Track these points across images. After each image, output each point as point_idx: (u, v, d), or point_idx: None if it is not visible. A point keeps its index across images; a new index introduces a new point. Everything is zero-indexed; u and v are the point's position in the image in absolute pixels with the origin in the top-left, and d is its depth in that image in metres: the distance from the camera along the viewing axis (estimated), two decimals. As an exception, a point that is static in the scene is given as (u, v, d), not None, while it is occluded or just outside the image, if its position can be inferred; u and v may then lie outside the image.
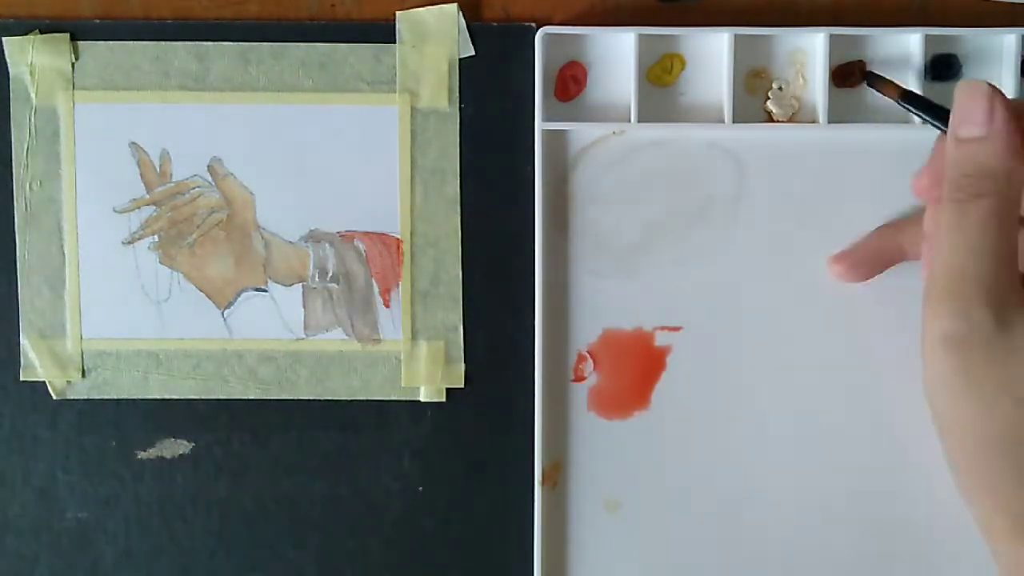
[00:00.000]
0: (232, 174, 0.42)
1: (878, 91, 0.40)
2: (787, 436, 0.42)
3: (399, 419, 0.43)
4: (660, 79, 0.42)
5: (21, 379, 0.42)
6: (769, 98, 0.42)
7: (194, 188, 0.42)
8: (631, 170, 0.42)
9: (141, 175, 0.42)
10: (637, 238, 0.42)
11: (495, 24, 0.42)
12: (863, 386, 0.42)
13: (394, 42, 0.42)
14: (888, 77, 0.40)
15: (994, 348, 0.31)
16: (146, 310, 0.42)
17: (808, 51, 0.42)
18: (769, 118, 0.42)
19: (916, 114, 0.38)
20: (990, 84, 0.33)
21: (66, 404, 0.43)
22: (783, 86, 0.42)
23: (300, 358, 0.43)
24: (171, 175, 0.42)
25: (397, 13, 0.41)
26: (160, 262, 0.42)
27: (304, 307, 0.43)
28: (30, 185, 0.42)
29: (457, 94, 0.42)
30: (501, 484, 0.43)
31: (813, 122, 0.41)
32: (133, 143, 0.42)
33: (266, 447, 0.43)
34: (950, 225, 0.32)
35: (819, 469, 0.42)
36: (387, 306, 0.42)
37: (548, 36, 0.41)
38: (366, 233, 0.42)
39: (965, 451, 0.33)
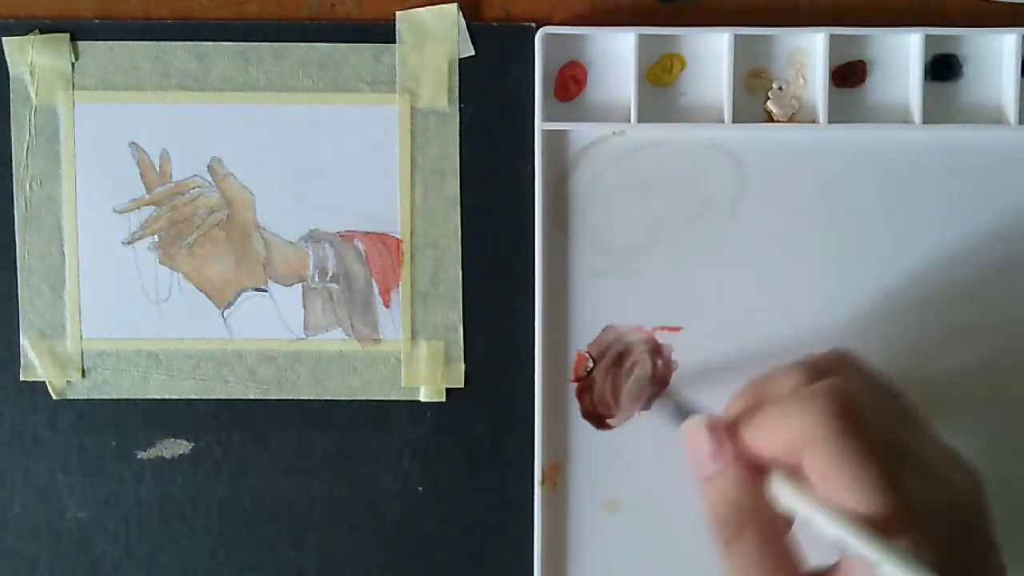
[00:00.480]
0: (232, 174, 0.42)
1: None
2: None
3: (399, 419, 0.43)
4: (660, 79, 0.42)
5: (21, 379, 0.42)
6: (769, 98, 0.42)
7: (194, 188, 0.42)
8: (631, 170, 0.42)
9: (141, 175, 0.42)
10: (637, 238, 0.42)
11: (495, 24, 0.42)
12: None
13: (394, 42, 0.42)
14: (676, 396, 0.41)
15: None
16: (146, 310, 0.42)
17: (808, 51, 0.41)
18: (769, 118, 0.42)
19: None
20: (708, 418, 0.34)
21: (66, 404, 0.43)
22: (783, 86, 0.42)
23: (300, 358, 0.43)
24: (171, 175, 0.42)
25: (397, 13, 0.41)
26: (160, 262, 0.42)
27: (304, 307, 0.43)
28: (30, 185, 0.42)
29: (457, 94, 0.42)
30: (501, 484, 0.43)
31: (813, 122, 0.41)
32: (133, 143, 0.42)
33: (266, 447, 0.43)
34: (733, 569, 0.32)
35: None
36: (387, 306, 0.42)
37: (548, 36, 0.41)
38: (366, 233, 0.42)
39: None
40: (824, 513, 0.31)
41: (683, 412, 0.36)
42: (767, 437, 0.33)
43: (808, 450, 0.31)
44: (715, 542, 0.33)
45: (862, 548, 0.30)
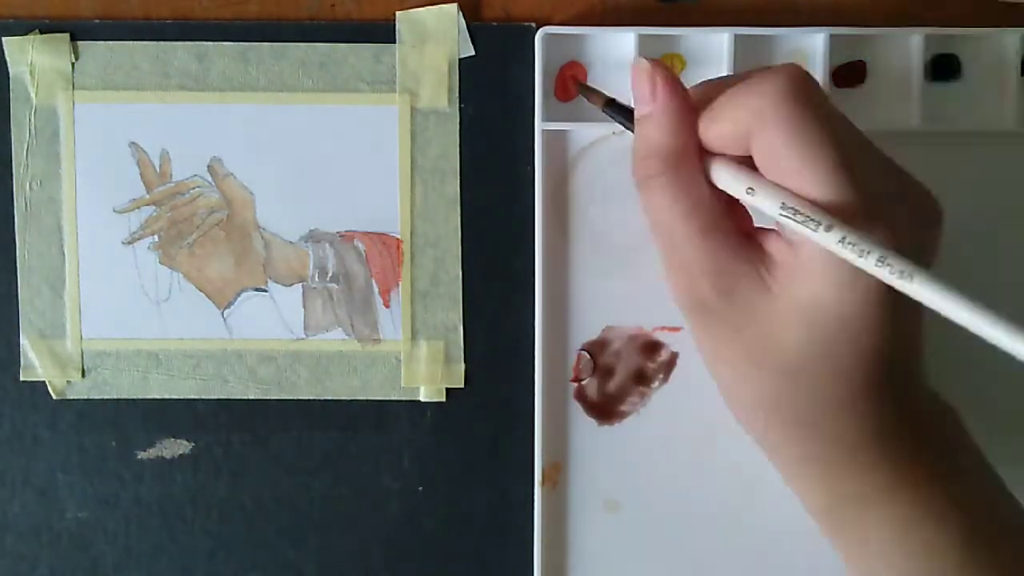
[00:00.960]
0: (232, 174, 0.42)
1: (588, 100, 0.39)
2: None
3: (399, 419, 0.43)
4: (660, 79, 0.42)
5: (21, 379, 0.42)
6: (769, 98, 0.42)
7: (194, 188, 0.42)
8: (631, 170, 0.42)
9: (141, 175, 0.42)
10: (637, 238, 0.42)
11: (495, 24, 0.42)
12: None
13: (394, 42, 0.42)
14: (595, 87, 0.39)
15: (725, 320, 0.32)
16: (146, 310, 0.42)
17: (808, 51, 0.41)
18: (769, 118, 0.42)
19: (620, 123, 0.37)
20: (654, 61, 0.33)
21: (66, 404, 0.43)
22: (783, 86, 0.42)
23: (300, 358, 0.43)
24: (171, 175, 0.42)
25: (397, 13, 0.41)
26: (160, 262, 0.42)
27: (304, 307, 0.43)
28: (30, 185, 0.42)
29: (457, 94, 0.42)
30: (501, 484, 0.43)
31: (813, 122, 0.41)
32: (133, 143, 0.42)
33: (266, 447, 0.43)
34: (643, 206, 0.33)
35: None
36: (387, 306, 0.42)
37: (548, 36, 0.41)
38: (366, 233, 0.42)
39: (744, 413, 0.33)
40: (769, 193, 0.29)
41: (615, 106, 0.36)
42: (718, 122, 0.31)
43: (758, 128, 0.30)
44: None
45: (809, 232, 0.28)
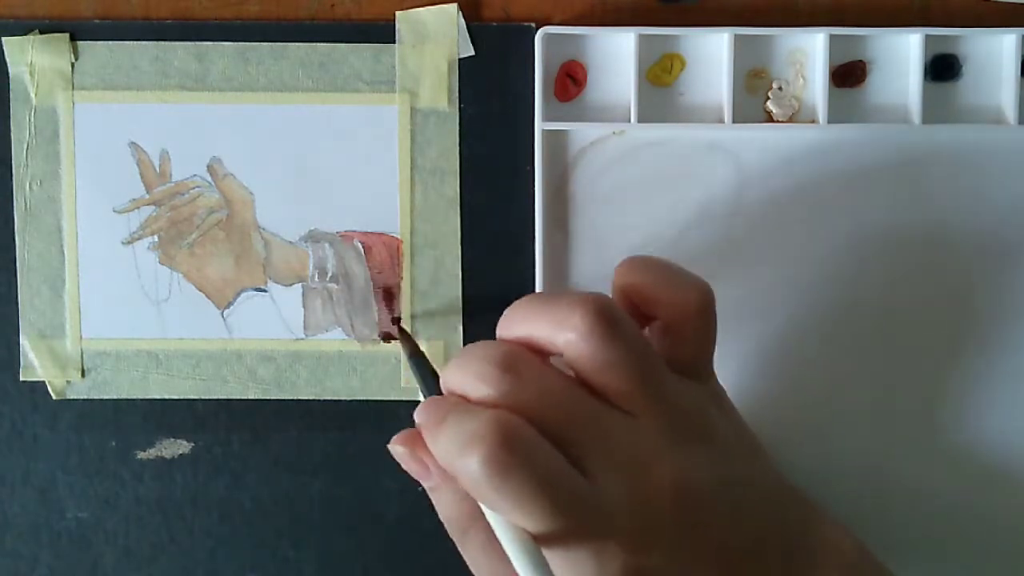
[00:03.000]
0: (232, 174, 0.42)
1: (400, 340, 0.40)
2: (788, 435, 0.42)
3: (399, 419, 0.43)
4: (660, 79, 0.42)
5: (21, 379, 0.42)
6: (769, 98, 0.42)
7: (194, 188, 0.42)
8: (631, 170, 0.42)
9: (141, 175, 0.42)
10: (637, 238, 0.42)
11: (495, 24, 0.42)
12: (865, 384, 0.42)
13: (394, 42, 0.42)
14: (409, 333, 0.41)
15: None
16: (146, 310, 0.42)
17: (808, 51, 0.41)
18: (769, 118, 0.42)
19: (416, 379, 0.37)
20: (407, 437, 0.33)
21: (66, 404, 0.43)
22: (783, 86, 0.42)
23: (300, 358, 0.43)
24: (171, 175, 0.42)
25: (397, 13, 0.41)
26: (160, 262, 0.42)
27: (304, 307, 0.43)
28: (30, 185, 0.42)
29: (457, 94, 0.42)
30: (501, 484, 0.43)
31: (813, 122, 0.41)
32: (133, 143, 0.42)
33: (266, 447, 0.43)
34: (468, 561, 0.33)
35: (820, 468, 0.42)
36: (386, 306, 0.42)
37: (548, 36, 0.41)
38: (366, 233, 0.42)
39: None
40: (499, 531, 0.30)
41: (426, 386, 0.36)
42: (442, 462, 0.31)
43: (474, 494, 0.30)
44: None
45: (522, 570, 0.29)
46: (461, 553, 0.33)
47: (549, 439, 0.30)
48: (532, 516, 0.29)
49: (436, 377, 0.36)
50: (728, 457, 0.33)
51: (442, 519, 0.33)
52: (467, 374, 0.31)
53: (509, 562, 0.30)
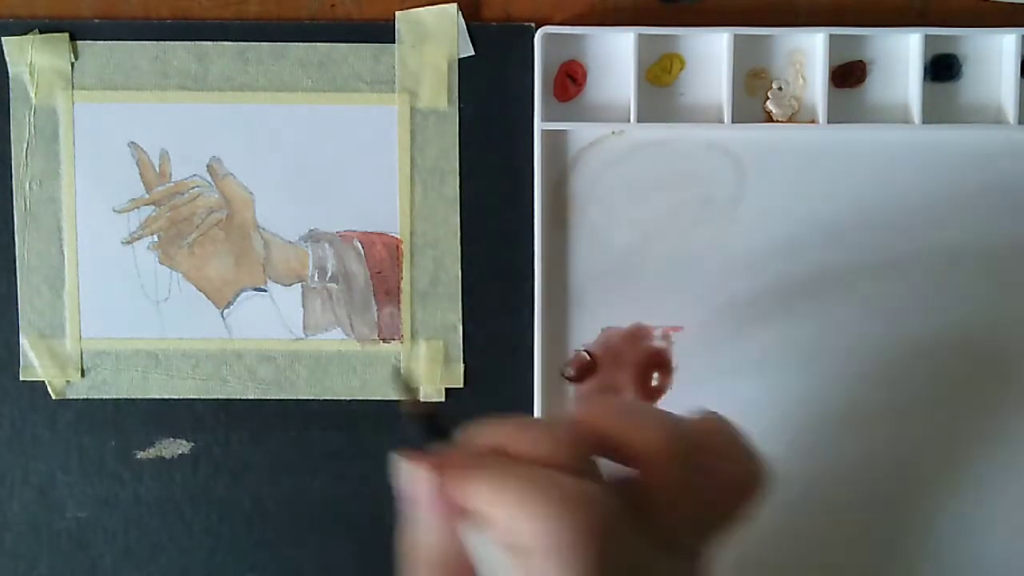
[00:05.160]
0: (231, 174, 0.42)
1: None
2: (787, 435, 0.42)
3: (398, 419, 0.43)
4: (660, 79, 0.42)
5: (21, 379, 0.42)
6: (769, 98, 0.42)
7: (193, 188, 0.42)
8: (631, 170, 0.42)
9: (140, 175, 0.42)
10: (637, 238, 0.42)
11: (495, 24, 0.42)
12: (864, 383, 0.42)
13: (394, 42, 0.42)
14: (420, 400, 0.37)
15: None
16: (145, 310, 0.42)
17: (808, 51, 0.41)
18: (769, 118, 0.42)
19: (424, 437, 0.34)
20: (435, 462, 0.29)
21: (65, 404, 0.43)
22: (783, 86, 0.42)
23: (299, 358, 0.43)
24: (170, 175, 0.42)
25: (396, 13, 0.41)
26: (159, 262, 0.42)
27: (303, 307, 0.43)
28: (30, 185, 0.42)
29: (456, 94, 0.42)
30: (500, 484, 0.43)
31: (812, 122, 0.41)
32: (132, 143, 0.42)
33: (265, 447, 0.43)
34: None
35: (821, 467, 0.42)
36: (386, 306, 0.42)
37: (547, 36, 0.41)
38: (365, 233, 0.42)
39: None
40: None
41: (433, 432, 0.32)
42: (490, 507, 0.28)
43: (531, 555, 0.26)
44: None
45: None
46: None
47: None
48: None
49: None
50: None
51: (409, 548, 0.31)
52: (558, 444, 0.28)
53: None
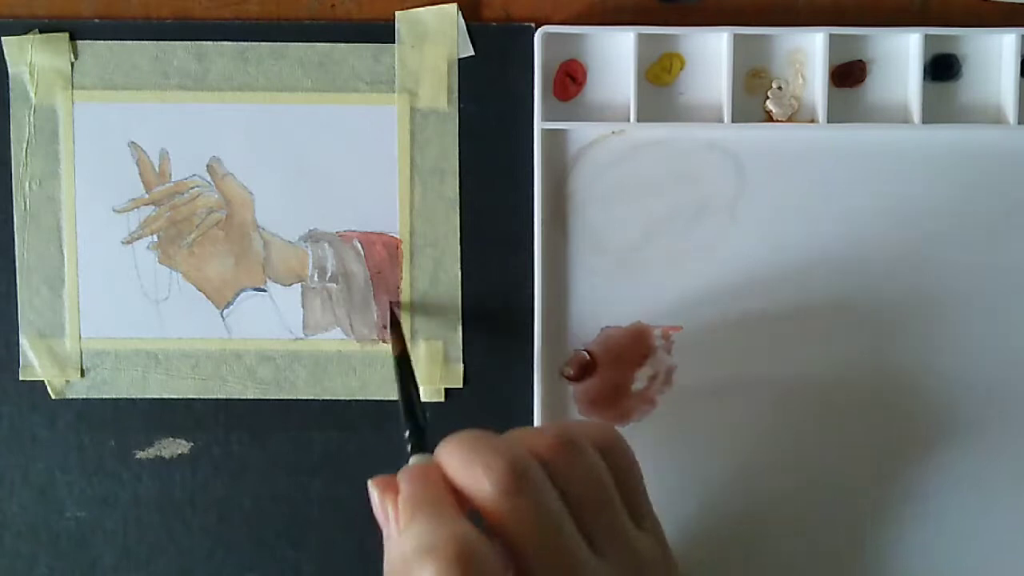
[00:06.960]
0: (231, 174, 0.42)
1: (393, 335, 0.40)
2: (788, 435, 0.42)
3: (398, 419, 0.43)
4: (660, 79, 0.42)
5: (20, 379, 0.42)
6: (769, 98, 0.42)
7: (193, 188, 0.42)
8: (631, 170, 0.42)
9: (140, 175, 0.42)
10: (637, 238, 0.42)
11: (494, 24, 0.42)
12: (865, 384, 0.42)
13: (393, 42, 0.42)
14: (401, 333, 0.41)
15: None
16: (145, 310, 0.42)
17: (808, 51, 0.41)
18: (769, 118, 0.42)
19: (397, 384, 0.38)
20: (382, 482, 0.33)
21: (65, 404, 0.43)
22: (783, 86, 0.42)
23: (299, 358, 0.43)
24: (170, 175, 0.42)
25: (396, 13, 0.41)
26: (159, 262, 0.42)
27: (303, 307, 0.43)
28: (29, 184, 0.42)
29: (456, 94, 0.42)
30: (500, 484, 0.43)
31: (812, 122, 0.41)
32: (132, 143, 0.42)
33: (265, 447, 0.43)
34: None
35: (821, 466, 0.42)
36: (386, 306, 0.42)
37: (547, 36, 0.41)
38: (365, 233, 0.42)
39: None
40: None
41: (414, 441, 0.35)
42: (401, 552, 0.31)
43: None
44: None
45: None
46: None
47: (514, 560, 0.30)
48: None
49: (417, 387, 0.37)
50: None
51: (386, 568, 0.33)
52: (473, 463, 0.31)
53: None
